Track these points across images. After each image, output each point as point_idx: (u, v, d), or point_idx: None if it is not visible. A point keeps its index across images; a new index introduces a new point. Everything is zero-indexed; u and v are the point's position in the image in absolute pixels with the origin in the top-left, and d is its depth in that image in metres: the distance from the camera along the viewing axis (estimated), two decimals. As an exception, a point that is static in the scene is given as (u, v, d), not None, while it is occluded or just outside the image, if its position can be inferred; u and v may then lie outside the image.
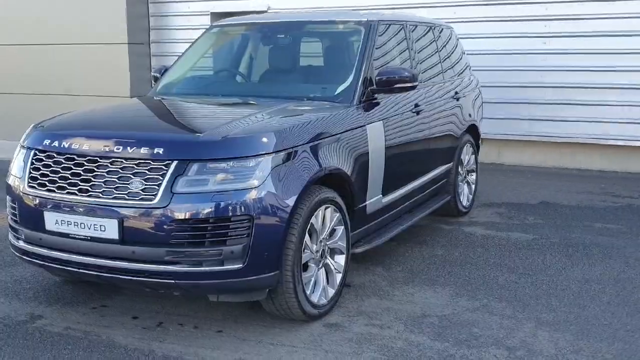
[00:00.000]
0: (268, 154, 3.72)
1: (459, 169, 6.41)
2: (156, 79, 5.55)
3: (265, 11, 9.74)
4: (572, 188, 7.73)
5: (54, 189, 3.84)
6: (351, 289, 4.61)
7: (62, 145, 3.89)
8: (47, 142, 3.97)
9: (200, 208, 3.56)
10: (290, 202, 3.75)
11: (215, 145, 3.69)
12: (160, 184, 3.59)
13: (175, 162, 3.61)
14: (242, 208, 3.59)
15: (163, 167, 3.62)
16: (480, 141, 7.10)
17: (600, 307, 4.32)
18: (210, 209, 3.56)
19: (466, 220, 6.43)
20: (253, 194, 3.62)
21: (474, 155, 6.78)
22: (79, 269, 3.83)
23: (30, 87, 11.14)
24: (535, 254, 5.40)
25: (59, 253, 3.85)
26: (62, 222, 3.78)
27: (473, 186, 6.82)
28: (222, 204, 3.57)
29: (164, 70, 5.56)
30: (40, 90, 11.01)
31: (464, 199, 6.56)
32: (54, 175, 3.87)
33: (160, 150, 3.64)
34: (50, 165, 3.90)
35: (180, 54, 5.65)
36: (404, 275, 4.89)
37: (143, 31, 10.76)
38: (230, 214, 3.58)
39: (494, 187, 7.76)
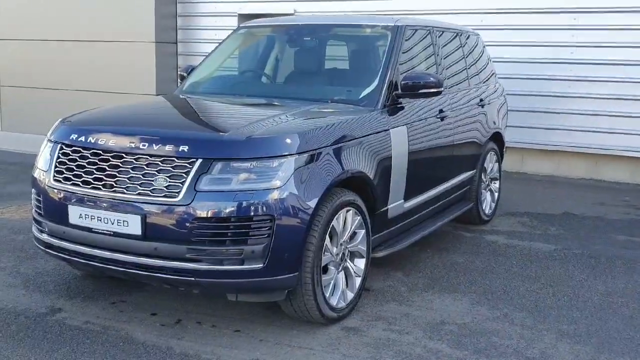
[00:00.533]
0: (291, 155, 3.72)
1: (482, 177, 6.37)
2: (182, 78, 5.59)
3: (292, 14, 9.76)
4: (595, 200, 7.65)
5: (79, 183, 3.88)
6: (370, 293, 4.60)
7: (88, 140, 3.93)
8: (74, 136, 4.01)
9: (223, 207, 3.57)
10: (312, 203, 3.74)
11: (240, 144, 3.70)
12: (184, 181, 3.61)
13: (199, 160, 3.62)
14: (264, 208, 3.60)
15: (187, 164, 3.63)
16: (504, 149, 7.05)
17: (623, 320, 4.27)
18: (233, 208, 3.57)
19: (488, 228, 6.38)
20: (275, 195, 3.62)
21: (497, 163, 6.74)
22: (100, 263, 3.85)
23: (57, 83, 11.26)
24: (558, 264, 5.34)
25: (81, 247, 3.88)
26: (86, 216, 3.81)
27: (496, 194, 6.77)
28: (245, 203, 3.58)
29: (191, 70, 5.59)
30: (67, 86, 11.13)
31: (487, 207, 6.51)
32: (80, 170, 3.90)
33: (185, 148, 3.66)
34: (76, 159, 3.94)
35: (208, 54, 5.67)
36: (424, 282, 4.87)
37: (171, 30, 10.84)
38: (252, 213, 3.58)
39: (517, 196, 7.70)
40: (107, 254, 3.78)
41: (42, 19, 11.32)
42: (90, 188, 3.83)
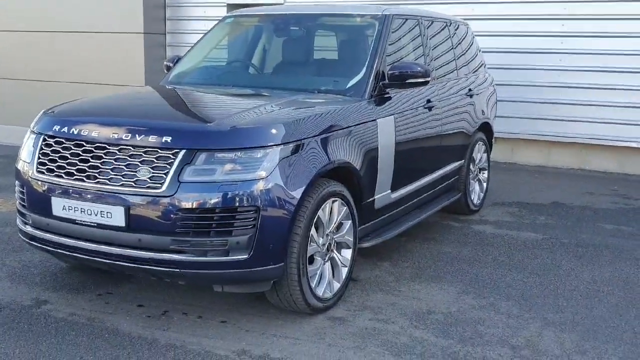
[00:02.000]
0: (276, 145, 3.70)
1: (471, 167, 6.36)
2: (168, 68, 5.55)
3: (281, 3, 9.71)
4: (584, 189, 7.66)
5: (62, 174, 3.85)
6: (357, 283, 4.60)
7: (71, 132, 3.90)
8: (56, 127, 3.98)
9: (207, 198, 3.55)
10: (297, 194, 3.73)
11: (224, 135, 3.68)
12: (168, 172, 3.59)
13: (183, 151, 3.60)
14: (249, 199, 3.58)
15: (171, 155, 3.61)
16: (493, 139, 7.05)
17: (608, 308, 4.28)
18: (217, 199, 3.55)
19: (476, 218, 6.39)
20: (260, 185, 3.60)
21: (486, 154, 6.73)
22: (84, 255, 3.84)
23: (43, 74, 11.16)
24: (545, 253, 5.35)
25: (65, 239, 3.86)
26: (69, 208, 3.79)
27: (484, 184, 6.77)
28: (229, 194, 3.56)
29: (177, 60, 5.55)
30: (55, 77, 11.04)
31: (475, 197, 6.52)
32: (63, 161, 3.87)
33: (169, 139, 3.63)
34: (59, 151, 3.91)
35: (194, 44, 5.63)
36: (410, 271, 4.87)
37: (159, 21, 10.76)
38: (237, 204, 3.57)
39: (506, 186, 7.71)
40: (91, 246, 3.76)
41: (28, 10, 11.21)
42: (73, 179, 3.80)
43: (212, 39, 5.61)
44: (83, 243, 3.79)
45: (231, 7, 10.07)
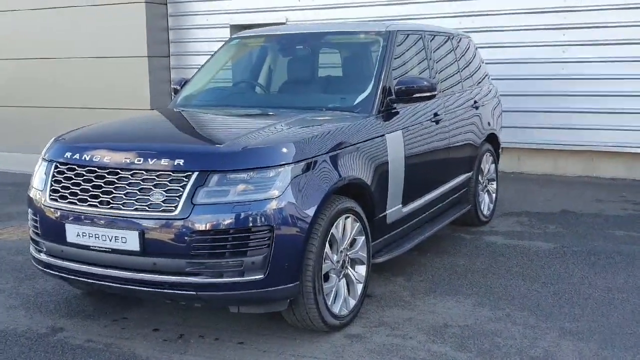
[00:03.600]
0: (288, 164, 3.72)
1: (479, 178, 6.37)
2: (176, 91, 5.59)
3: (284, 23, 9.78)
4: (593, 196, 7.66)
5: (75, 201, 3.87)
6: (372, 299, 4.59)
7: (83, 158, 3.92)
8: (68, 154, 4.00)
9: (221, 219, 3.56)
10: (311, 212, 3.74)
11: (236, 155, 3.70)
12: (181, 195, 3.60)
13: (196, 173, 3.62)
14: (263, 218, 3.59)
15: (184, 178, 3.63)
16: (500, 150, 7.06)
17: (624, 315, 4.26)
18: (231, 220, 3.56)
19: (487, 229, 6.38)
20: (273, 205, 3.62)
21: (494, 164, 6.75)
22: (100, 281, 3.84)
23: (50, 101, 11.27)
24: (558, 262, 5.34)
25: (80, 265, 3.87)
26: (84, 234, 3.80)
27: (494, 195, 6.77)
28: (243, 214, 3.57)
29: (184, 83, 5.59)
30: (60, 103, 11.14)
31: (485, 208, 6.52)
32: (75, 188, 3.89)
33: (181, 162, 3.65)
34: (71, 177, 3.93)
35: (200, 66, 5.67)
36: (425, 285, 4.86)
37: (163, 44, 10.86)
38: (251, 224, 3.58)
39: (515, 196, 7.71)
40: (106, 271, 3.77)
41: (32, 36, 11.33)
42: (86, 206, 3.82)
43: (218, 61, 5.65)
44: (98, 269, 3.80)
45: (234, 28, 10.15)
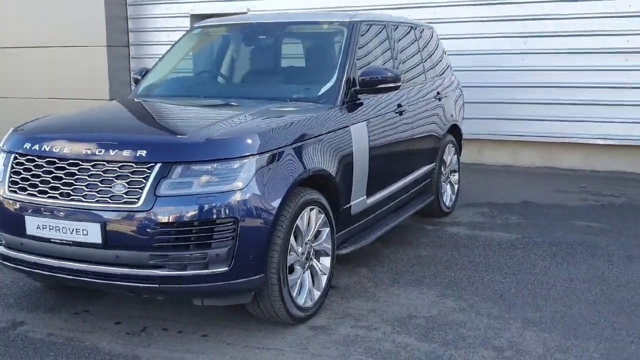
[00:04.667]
0: (252, 155, 3.67)
1: (442, 169, 6.41)
2: (137, 81, 5.49)
3: (245, 13, 9.69)
4: (553, 187, 7.77)
5: (35, 193, 3.77)
6: (336, 290, 4.59)
7: (43, 149, 3.82)
8: (27, 145, 3.90)
9: (185, 211, 3.51)
10: (275, 204, 3.71)
11: (199, 147, 3.64)
12: (144, 187, 3.54)
13: (158, 165, 3.56)
14: (227, 210, 3.55)
15: (146, 169, 3.56)
16: (462, 141, 7.11)
17: (586, 306, 4.33)
18: (195, 212, 3.51)
19: (449, 220, 6.43)
20: (238, 196, 3.58)
21: (456, 156, 6.79)
22: (61, 274, 3.76)
23: (7, 91, 11.00)
24: (520, 253, 5.41)
25: (40, 258, 3.78)
26: (44, 226, 3.71)
27: (456, 186, 6.83)
28: (207, 206, 3.52)
29: (145, 72, 5.49)
30: (20, 94, 10.88)
31: (447, 199, 6.56)
32: (35, 179, 3.79)
33: (144, 153, 3.59)
34: (31, 169, 3.83)
35: (162, 56, 5.58)
36: (389, 277, 4.87)
37: (122, 33, 10.68)
38: (215, 216, 3.53)
39: (476, 187, 7.78)
40: (67, 264, 3.69)
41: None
42: (47, 197, 3.73)
43: (180, 50, 5.56)
44: (59, 262, 3.71)
45: (195, 17, 10.03)
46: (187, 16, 10.24)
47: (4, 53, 11.00)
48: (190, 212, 3.51)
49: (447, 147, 6.51)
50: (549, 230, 6.06)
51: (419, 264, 5.14)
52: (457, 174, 6.87)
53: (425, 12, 8.88)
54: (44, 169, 3.78)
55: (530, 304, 4.35)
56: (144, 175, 3.56)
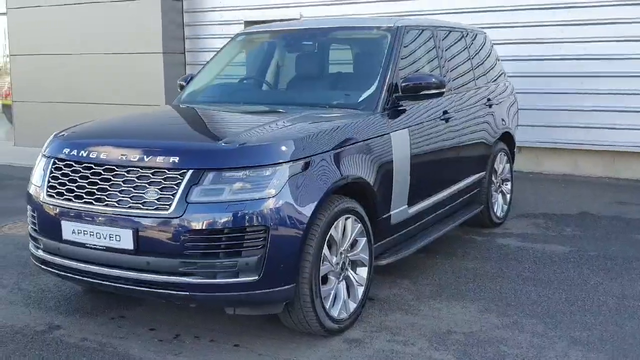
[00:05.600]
0: (285, 162, 3.61)
1: (492, 178, 6.20)
2: (182, 87, 5.51)
3: (298, 19, 9.67)
4: (613, 198, 7.44)
5: (72, 197, 3.80)
6: (375, 302, 4.46)
7: (80, 154, 3.85)
8: (66, 150, 3.94)
9: (215, 218, 3.46)
10: (308, 212, 3.62)
11: (231, 153, 3.60)
12: (175, 193, 3.51)
13: (190, 171, 3.53)
14: (258, 218, 3.49)
15: (178, 176, 3.54)
16: (515, 149, 6.88)
17: (639, 325, 4.08)
18: (225, 219, 3.46)
19: (500, 231, 6.22)
20: (269, 204, 3.51)
21: (508, 164, 6.56)
22: (94, 279, 3.78)
23: (69, 96, 11.29)
24: (572, 267, 5.17)
25: (75, 263, 3.80)
26: (79, 231, 3.73)
27: (508, 196, 6.59)
28: (237, 214, 3.47)
29: (190, 78, 5.51)
30: (78, 99, 11.15)
31: (498, 209, 6.34)
32: (72, 184, 3.82)
33: (176, 159, 3.56)
34: (68, 174, 3.86)
35: (206, 62, 5.58)
36: (431, 289, 4.72)
37: (178, 40, 10.81)
38: (246, 224, 3.48)
39: (532, 197, 7.52)
40: (100, 270, 3.70)
41: (52, 33, 11.37)
42: (82, 203, 3.75)
43: (224, 57, 5.56)
44: (92, 267, 3.73)
45: (248, 24, 10.06)
46: (241, 23, 10.29)
47: (62, 59, 11.29)
48: (221, 220, 3.46)
49: (499, 155, 6.30)
50: (606, 243, 5.78)
51: (463, 277, 4.97)
52: (509, 183, 6.64)
53: (483, 17, 8.65)
54: (80, 174, 3.81)
55: (579, 322, 4.13)
56: (176, 182, 3.53)
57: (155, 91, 10.45)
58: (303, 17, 9.68)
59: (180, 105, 5.07)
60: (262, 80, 5.47)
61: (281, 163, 3.60)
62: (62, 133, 4.25)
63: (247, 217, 3.48)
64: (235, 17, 10.37)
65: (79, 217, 3.75)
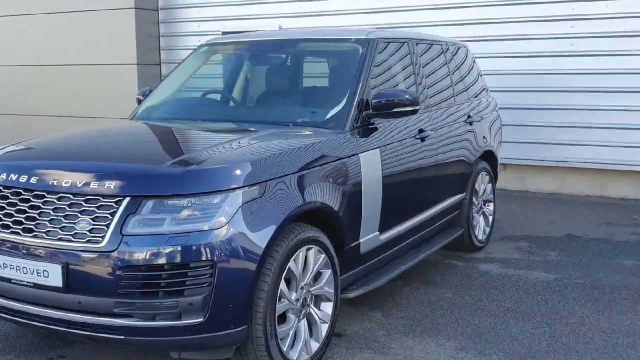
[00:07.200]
0: (236, 188, 3.22)
1: (473, 199, 5.83)
2: (140, 102, 5.12)
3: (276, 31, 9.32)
4: (601, 219, 7.10)
5: (-1, 227, 3.40)
6: (342, 339, 4.07)
7: (9, 178, 3.45)
8: (-5, 174, 3.53)
9: (153, 252, 3.07)
10: (262, 244, 3.24)
11: (175, 178, 3.21)
12: (110, 224, 3.12)
13: (127, 199, 3.14)
14: (203, 252, 3.10)
15: (113, 204, 3.15)
16: (499, 167, 6.53)
17: (629, 366, 3.72)
18: (165, 254, 3.07)
19: (482, 255, 5.84)
20: (217, 235, 3.12)
21: (490, 184, 6.20)
22: (22, 318, 3.37)
23: (37, 109, 10.90)
24: (556, 297, 4.80)
25: (3, 300, 3.39)
26: (5, 265, 3.32)
27: (490, 218, 6.23)
28: (179, 247, 3.08)
29: (148, 92, 5.12)
30: (47, 112, 10.76)
31: (480, 232, 5.98)
32: (-1, 212, 3.42)
33: (112, 185, 3.18)
34: (-4, 200, 3.46)
35: (166, 75, 5.20)
36: (404, 323, 4.34)
37: (153, 51, 10.44)
38: (189, 259, 3.08)
39: (516, 217, 7.17)
40: (28, 308, 3.29)
41: (20, 44, 10.97)
42: (9, 233, 3.35)
43: (186, 70, 5.17)
44: (20, 305, 3.32)
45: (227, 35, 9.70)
46: (219, 33, 9.92)
47: (34, 71, 10.89)
48: (160, 254, 3.07)
49: (480, 175, 5.93)
50: (592, 270, 5.42)
51: (440, 308, 4.59)
52: (492, 205, 6.27)
53: (465, 30, 8.33)
54: (8, 200, 3.40)
55: (563, 363, 3.77)
56: (111, 211, 3.14)
57: (128, 103, 9.99)
58: (282, 29, 9.32)
59: (133, 122, 4.67)
60: (224, 96, 5.09)
61: (233, 189, 3.21)
62: (-4, 154, 3.85)
63: (190, 251, 3.09)
64: (212, 27, 10.00)
65: (5, 248, 3.34)
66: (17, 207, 3.36)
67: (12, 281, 3.31)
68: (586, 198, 8.20)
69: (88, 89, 10.35)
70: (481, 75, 6.44)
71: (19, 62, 11.03)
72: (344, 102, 4.23)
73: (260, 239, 3.24)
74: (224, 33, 9.84)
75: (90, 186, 3.20)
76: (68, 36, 10.47)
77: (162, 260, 3.07)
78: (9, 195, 3.42)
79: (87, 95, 10.37)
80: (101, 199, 3.17)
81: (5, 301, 3.38)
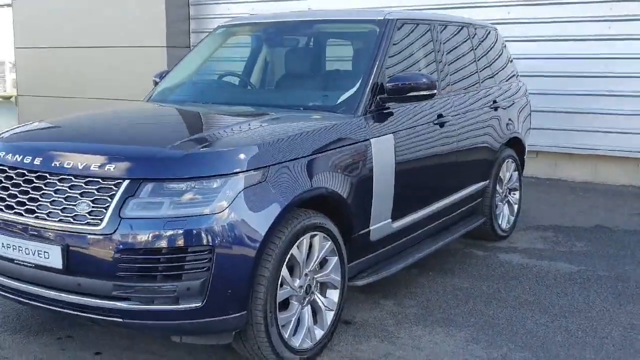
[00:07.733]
0: (238, 172, 3.16)
1: (497, 188, 5.68)
2: (156, 84, 5.09)
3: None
4: (634, 210, 6.86)
5: (2, 207, 3.40)
6: (350, 327, 4.00)
7: (14, 159, 3.44)
8: (1, 154, 3.53)
9: (151, 236, 3.03)
10: (262, 230, 3.17)
11: (176, 161, 3.16)
12: (108, 206, 3.09)
13: (127, 182, 3.10)
14: (201, 236, 3.04)
15: (113, 186, 3.11)
16: (530, 154, 6.33)
17: (645, 364, 3.57)
18: (163, 238, 3.03)
19: (504, 245, 5.70)
20: (216, 220, 3.06)
21: (516, 172, 6.02)
22: (24, 298, 3.37)
23: (67, 91, 11.01)
24: (577, 290, 4.64)
25: (6, 279, 3.40)
26: (8, 245, 3.32)
27: (515, 206, 6.06)
28: (177, 231, 3.03)
29: (165, 74, 5.08)
30: (83, 94, 10.84)
31: (503, 221, 5.82)
32: (3, 192, 3.42)
33: (112, 167, 3.14)
34: (1, 180, 3.46)
35: (182, 57, 5.16)
36: (416, 312, 4.24)
37: (183, 34, 10.43)
38: (187, 243, 3.04)
39: (546, 206, 6.98)
40: (29, 288, 3.30)
41: (56, 27, 11.08)
42: (12, 213, 3.34)
43: (202, 52, 5.12)
44: (22, 285, 3.32)
45: (255, 17, 9.63)
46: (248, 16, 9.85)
47: (63, 53, 11.00)
48: (158, 238, 3.03)
49: (505, 162, 5.77)
50: (618, 262, 5.23)
51: (455, 298, 4.48)
52: (517, 193, 6.10)
53: (499, 12, 8.10)
54: (13, 181, 3.40)
55: (576, 357, 3.63)
56: (110, 194, 3.11)
57: (158, 86, 10.06)
58: (310, 10, 9.21)
59: (147, 104, 4.64)
60: (238, 78, 5.02)
61: (233, 173, 3.15)
62: (1, 135, 3.85)
63: (189, 236, 3.04)
64: (242, 10, 9.93)
65: (8, 229, 3.34)
66: (21, 187, 3.35)
67: (15, 261, 3.31)
68: (620, 188, 7.95)
69: (117, 71, 10.41)
70: (511, 60, 6.24)
71: (51, 44, 11.14)
72: (357, 85, 4.12)
73: (261, 224, 3.18)
74: (253, 16, 9.77)
75: (91, 168, 3.17)
76: (97, 18, 10.53)
77: (160, 244, 3.03)
78: (13, 175, 3.41)
79: (116, 77, 10.43)
80: (101, 181, 3.14)
81: (9, 281, 3.39)
